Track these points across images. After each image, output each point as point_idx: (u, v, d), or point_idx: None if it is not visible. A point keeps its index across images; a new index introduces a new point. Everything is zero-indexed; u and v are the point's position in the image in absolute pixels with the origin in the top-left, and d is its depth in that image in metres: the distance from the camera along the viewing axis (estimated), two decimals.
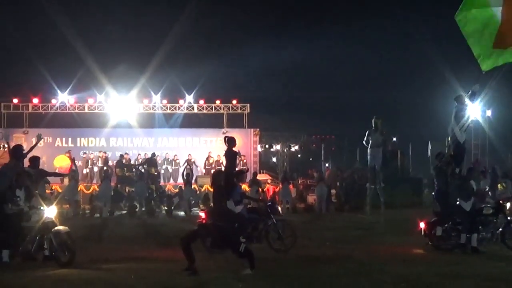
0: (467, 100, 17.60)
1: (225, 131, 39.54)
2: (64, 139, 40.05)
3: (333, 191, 34.34)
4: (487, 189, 28.02)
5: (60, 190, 31.73)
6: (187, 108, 41.91)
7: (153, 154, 36.05)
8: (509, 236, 15.86)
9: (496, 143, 43.18)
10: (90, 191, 33.65)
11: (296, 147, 55.19)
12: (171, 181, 37.95)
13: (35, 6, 50.10)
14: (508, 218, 16.16)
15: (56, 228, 13.64)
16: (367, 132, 25.94)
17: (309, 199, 35.19)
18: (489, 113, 40.80)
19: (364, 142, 25.91)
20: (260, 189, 30.69)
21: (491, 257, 14.91)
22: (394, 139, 44.64)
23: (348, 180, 35.76)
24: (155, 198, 32.30)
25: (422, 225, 16.54)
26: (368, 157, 26.00)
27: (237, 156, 18.44)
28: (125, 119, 40.95)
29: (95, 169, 37.31)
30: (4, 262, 13.28)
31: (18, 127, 39.67)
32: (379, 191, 25.64)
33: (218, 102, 42.08)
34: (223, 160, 21.90)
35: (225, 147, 18.04)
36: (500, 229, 16.02)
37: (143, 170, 33.10)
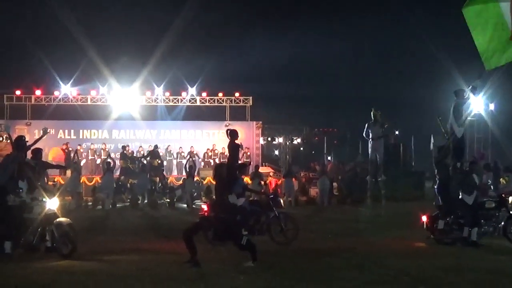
0: (467, 95, 17.62)
1: (227, 124, 39.60)
2: (66, 131, 40.14)
3: (334, 184, 34.33)
4: (489, 183, 27.99)
5: (62, 182, 31.77)
6: (190, 101, 41.95)
7: (156, 146, 36.05)
8: (511, 229, 15.85)
9: (499, 137, 43.13)
10: (92, 183, 33.69)
11: (299, 140, 55.18)
12: (174, 173, 37.98)
13: None
14: (510, 212, 16.12)
15: (58, 219, 13.66)
16: (366, 124, 25.94)
17: (311, 192, 35.18)
18: (492, 107, 40.75)
19: (364, 135, 25.90)
20: (262, 182, 30.69)
21: (493, 251, 14.92)
22: (397, 132, 44.62)
23: (350, 173, 35.74)
24: (157, 190, 32.29)
25: (424, 218, 16.54)
26: (369, 149, 26.00)
27: (240, 149, 18.44)
28: (128, 111, 41.00)
29: (98, 161, 37.37)
30: (6, 254, 13.28)
31: (21, 118, 39.72)
32: (380, 184, 25.65)
33: (220, 94, 42.11)
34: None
35: (227, 140, 18.05)
36: (502, 223, 16.02)
37: (145, 162, 33.08)
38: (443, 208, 16.56)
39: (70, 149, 36.98)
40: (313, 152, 61.09)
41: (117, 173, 33.06)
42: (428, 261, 13.22)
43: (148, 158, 34.45)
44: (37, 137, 19.46)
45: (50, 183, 26.21)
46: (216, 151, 38.70)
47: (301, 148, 60.02)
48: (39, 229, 13.62)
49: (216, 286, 10.91)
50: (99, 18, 50.19)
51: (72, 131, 40.30)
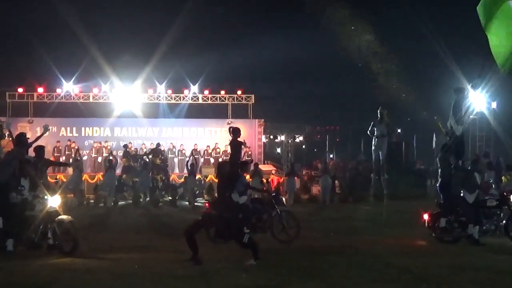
0: (466, 93, 17.63)
1: (229, 122, 39.59)
2: (68, 128, 40.14)
3: (336, 182, 34.32)
4: (491, 181, 27.96)
5: (64, 180, 31.80)
6: (192, 98, 41.93)
7: (158, 144, 36.02)
8: None
9: (501, 135, 43.09)
10: (94, 180, 33.71)
11: (301, 138, 55.07)
12: (176, 171, 38.00)
13: None
14: None
15: (59, 217, 13.68)
16: (372, 122, 25.84)
17: (313, 190, 35.20)
18: (494, 105, 40.67)
19: (368, 132, 25.80)
20: (263, 180, 30.68)
21: (495, 249, 14.90)
22: (399, 130, 44.62)
23: (352, 171, 35.74)
24: (159, 188, 32.29)
25: (425, 216, 16.53)
26: (373, 147, 25.92)
27: (243, 146, 18.43)
28: (130, 109, 41.00)
29: (99, 159, 37.40)
30: (8, 251, 13.32)
31: (23, 116, 39.73)
32: (382, 183, 25.56)
33: (223, 92, 42.11)
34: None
35: (229, 138, 18.05)
36: (504, 221, 16.03)
37: (147, 160, 33.06)
38: (445, 206, 16.55)
39: (71, 146, 37.10)
40: (315, 150, 61.07)
41: (118, 170, 33.03)
42: (430, 259, 13.23)
43: (150, 156, 34.40)
44: (39, 134, 19.41)
45: (51, 180, 26.21)
46: (218, 150, 38.71)
47: (303, 146, 59.97)
48: (40, 227, 13.64)
49: (218, 284, 10.91)
50: (101, 15, 50.15)
51: (74, 128, 40.30)
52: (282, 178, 35.20)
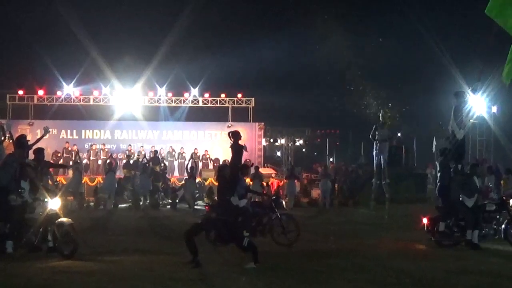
0: (467, 97, 17.65)
1: (229, 125, 39.65)
2: (69, 131, 40.19)
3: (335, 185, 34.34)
4: (490, 186, 27.95)
5: (64, 182, 31.82)
6: (192, 101, 42.01)
7: (156, 152, 35.93)
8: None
9: (502, 139, 43.09)
10: (94, 183, 33.73)
11: (301, 141, 55.09)
12: (176, 174, 38.02)
13: None
14: (511, 214, 16.13)
15: (59, 220, 13.69)
16: (374, 126, 25.83)
17: (313, 193, 35.21)
18: (494, 109, 40.67)
19: (370, 137, 25.78)
20: (263, 183, 30.69)
21: (494, 253, 14.92)
22: (399, 134, 44.62)
23: (352, 175, 35.73)
24: (159, 192, 32.30)
25: (425, 220, 16.53)
26: (374, 151, 25.89)
27: (244, 150, 18.41)
28: (130, 112, 41.06)
29: (99, 161, 37.41)
30: (8, 253, 13.32)
31: (23, 118, 39.76)
32: (384, 187, 25.53)
33: (223, 95, 42.19)
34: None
35: (229, 141, 18.03)
36: (503, 226, 16.03)
37: (147, 164, 33.00)
38: (444, 210, 16.56)
39: (69, 148, 37.13)
40: (315, 153, 61.16)
41: (119, 173, 33.06)
42: (430, 263, 13.24)
43: (150, 164, 34.27)
44: (39, 136, 19.41)
45: (50, 182, 26.19)
46: (210, 157, 38.82)
47: (303, 150, 60.03)
48: (40, 229, 13.66)
49: (218, 287, 10.93)
50: (101, 18, 50.19)
51: (74, 131, 40.34)
52: (282, 182, 35.21)
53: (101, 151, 37.94)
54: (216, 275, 11.67)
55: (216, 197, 15.13)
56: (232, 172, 15.31)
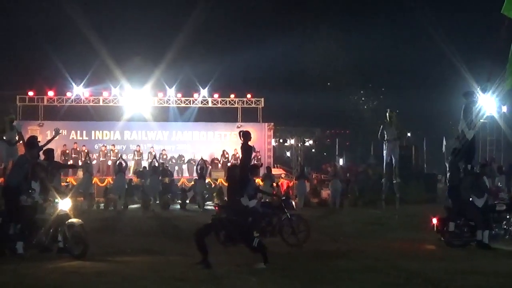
0: (476, 97, 17.60)
1: (239, 125, 39.62)
2: (78, 132, 40.24)
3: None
4: (501, 186, 27.90)
5: (74, 183, 31.88)
6: (202, 102, 42.03)
7: (163, 164, 35.00)
8: None
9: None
10: (104, 184, 33.79)
11: (310, 142, 55.08)
12: (186, 174, 38.02)
13: None
14: None
15: (70, 220, 13.71)
16: (381, 126, 25.73)
17: (323, 194, 35.17)
18: (504, 109, 40.58)
19: (379, 136, 25.70)
20: (274, 184, 30.67)
21: (504, 254, 14.87)
22: (409, 134, 44.55)
23: (362, 175, 35.69)
24: (168, 193, 32.27)
25: (434, 221, 16.48)
26: (384, 151, 25.79)
27: (253, 151, 18.38)
28: (140, 113, 41.11)
29: (109, 162, 37.44)
30: (18, 254, 13.36)
31: (33, 119, 39.83)
32: (394, 187, 25.44)
33: (232, 96, 42.18)
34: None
35: (239, 141, 18.00)
36: None
37: (157, 164, 32.94)
38: (453, 211, 16.51)
39: (78, 149, 37.21)
40: (325, 154, 61.07)
41: (128, 174, 33.11)
42: (439, 264, 13.20)
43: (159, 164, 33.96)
44: (49, 137, 19.46)
45: (62, 183, 26.27)
46: (226, 155, 38.70)
47: (313, 150, 59.97)
48: (51, 230, 13.68)
49: (227, 287, 10.93)
50: (111, 19, 50.32)
51: (84, 132, 40.40)
52: (292, 182, 35.19)
53: (111, 151, 37.95)
54: (226, 276, 11.67)
55: (226, 198, 15.11)
56: (242, 172, 15.31)
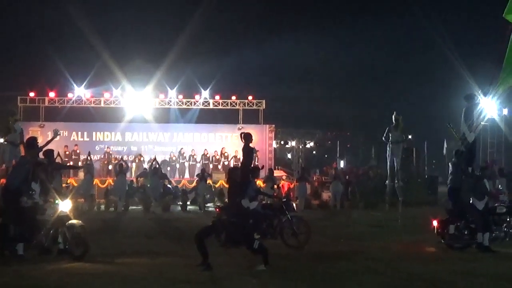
0: (478, 99, 17.60)
1: (240, 127, 39.59)
2: (80, 133, 40.21)
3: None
4: (501, 188, 27.84)
5: (75, 184, 31.87)
6: (203, 104, 41.97)
7: (160, 169, 34.68)
8: None
9: None
10: (105, 185, 33.75)
11: (311, 144, 55.13)
12: (187, 176, 38.00)
13: (52, 0, 50.35)
14: None
15: (70, 221, 13.72)
16: (387, 128, 25.68)
17: (324, 195, 35.17)
18: (505, 111, 40.56)
19: (383, 138, 25.64)
20: (275, 186, 30.66)
21: (504, 256, 14.86)
22: (410, 137, 44.56)
23: (363, 177, 35.68)
24: (169, 195, 32.24)
25: (435, 223, 16.47)
26: (387, 153, 25.76)
27: (254, 153, 18.36)
28: (141, 114, 41.06)
29: (110, 166, 37.40)
30: (19, 255, 13.36)
31: (34, 120, 39.81)
32: (397, 190, 25.35)
33: (233, 97, 42.12)
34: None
35: (240, 143, 17.98)
36: None
37: (157, 166, 32.89)
38: (454, 213, 16.50)
39: (78, 151, 37.22)
40: (326, 155, 61.12)
41: (129, 175, 33.09)
42: (440, 266, 13.22)
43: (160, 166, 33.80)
44: (49, 139, 19.45)
45: (63, 185, 26.27)
46: (226, 154, 38.71)
47: (314, 152, 60.02)
48: (51, 231, 13.70)
49: None
50: (113, 21, 50.41)
51: (85, 133, 40.37)
52: (293, 184, 35.18)
53: (107, 153, 37.89)
54: (227, 278, 11.68)
55: (226, 199, 15.12)
56: (243, 174, 15.30)
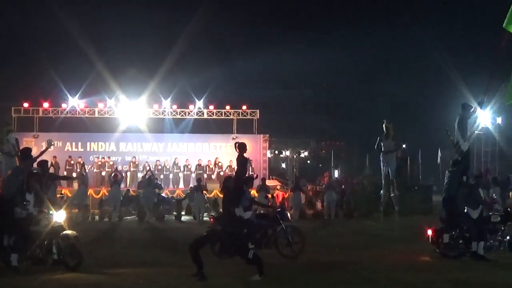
0: (473, 109, 17.64)
1: (234, 137, 39.56)
2: (74, 143, 40.14)
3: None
4: (495, 197, 27.88)
5: (69, 195, 31.82)
6: (197, 114, 41.95)
7: (152, 177, 34.50)
8: None
9: (507, 150, 43.12)
10: (99, 195, 33.70)
11: (306, 153, 55.19)
12: (181, 186, 37.95)
13: (46, 10, 50.37)
14: None
15: (64, 232, 13.69)
16: (378, 138, 25.67)
17: (318, 205, 35.16)
18: (499, 120, 40.68)
19: (375, 148, 25.64)
20: (268, 195, 30.62)
21: (499, 265, 14.87)
22: (404, 145, 44.64)
23: (357, 186, 35.69)
24: (163, 204, 32.22)
25: (429, 232, 16.48)
26: (381, 163, 25.73)
27: (248, 163, 18.37)
28: (135, 124, 41.04)
29: (103, 173, 37.37)
30: (13, 266, 13.32)
31: (28, 131, 39.76)
32: (393, 199, 25.35)
33: (227, 107, 42.13)
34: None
35: (235, 153, 17.99)
36: (508, 237, 16.04)
37: (152, 175, 32.85)
38: (448, 222, 16.50)
39: (72, 162, 37.17)
40: (320, 165, 61.16)
41: (123, 185, 33.06)
42: (434, 275, 13.22)
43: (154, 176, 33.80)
44: (43, 149, 19.42)
45: (57, 195, 26.23)
46: (220, 164, 38.70)
47: (308, 161, 60.06)
48: (45, 242, 13.63)
49: None
50: (107, 31, 50.44)
51: (79, 143, 40.31)
52: (287, 193, 35.16)
53: (106, 163, 37.88)
54: None
55: (221, 209, 15.11)
56: (237, 183, 15.29)
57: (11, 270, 13.21)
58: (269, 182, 35.77)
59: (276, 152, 50.35)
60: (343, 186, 35.78)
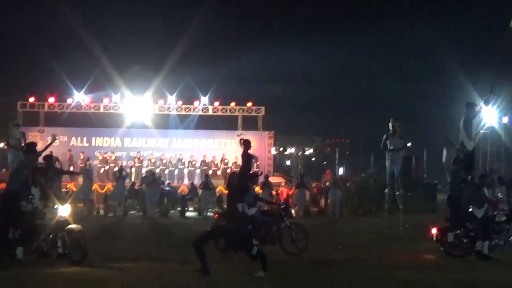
0: (478, 108, 17.60)
1: (239, 133, 39.54)
2: (79, 138, 40.17)
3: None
4: (501, 196, 27.79)
5: (74, 189, 31.84)
6: (202, 110, 41.94)
7: (154, 174, 33.97)
8: None
9: None
10: (104, 190, 33.73)
11: (310, 151, 55.01)
12: (186, 181, 37.94)
13: (52, 6, 50.36)
14: None
15: (69, 226, 13.71)
16: (384, 136, 25.55)
17: (322, 202, 35.14)
18: (505, 119, 40.55)
19: (381, 146, 25.53)
20: (272, 192, 30.62)
21: (503, 264, 14.84)
22: (409, 144, 44.59)
23: (362, 184, 35.66)
24: (168, 198, 32.27)
25: (434, 231, 16.46)
26: (387, 161, 25.60)
27: (253, 160, 18.36)
28: (140, 120, 41.03)
29: (106, 167, 37.38)
30: (18, 259, 13.33)
31: (34, 125, 39.80)
32: (398, 198, 25.23)
33: (233, 104, 42.10)
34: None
35: (240, 149, 17.99)
36: None
37: (155, 174, 32.85)
38: (452, 221, 16.48)
39: (88, 156, 37.19)
40: (325, 162, 61.08)
41: (128, 181, 33.08)
42: (439, 274, 13.19)
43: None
44: (48, 144, 19.44)
45: (62, 189, 26.25)
46: (226, 161, 38.70)
47: (313, 159, 59.92)
48: (50, 236, 13.66)
49: None
50: (112, 27, 50.44)
51: (84, 138, 40.33)
52: (292, 190, 35.14)
53: (108, 158, 37.91)
54: (225, 284, 11.67)
55: (225, 205, 15.12)
56: (241, 180, 15.31)
57: (16, 263, 13.22)
58: (273, 179, 35.79)
59: (281, 149, 50.16)
60: (348, 184, 35.77)
